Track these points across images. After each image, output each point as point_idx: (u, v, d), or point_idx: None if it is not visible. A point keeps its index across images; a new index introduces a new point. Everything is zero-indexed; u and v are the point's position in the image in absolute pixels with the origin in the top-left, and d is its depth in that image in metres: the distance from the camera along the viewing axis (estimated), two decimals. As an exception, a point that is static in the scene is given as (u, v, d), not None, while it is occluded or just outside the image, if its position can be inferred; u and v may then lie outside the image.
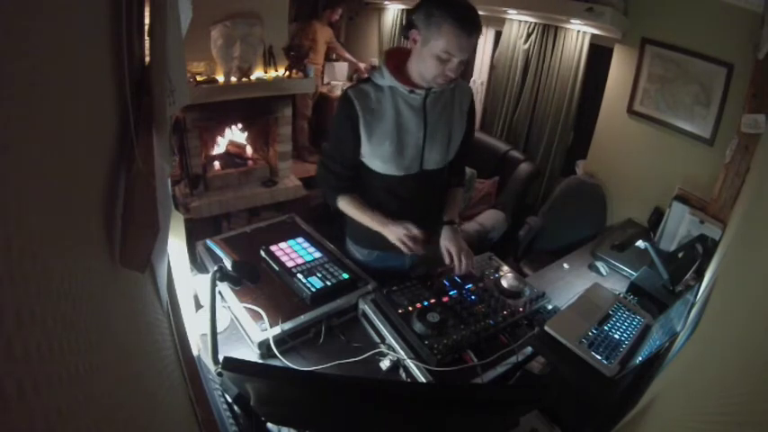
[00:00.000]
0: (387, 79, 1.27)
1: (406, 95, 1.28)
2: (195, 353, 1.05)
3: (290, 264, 1.48)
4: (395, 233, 1.34)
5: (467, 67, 3.62)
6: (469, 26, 1.14)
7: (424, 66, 1.21)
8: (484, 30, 3.40)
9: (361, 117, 1.28)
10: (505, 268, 1.61)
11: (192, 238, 1.40)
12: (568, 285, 1.76)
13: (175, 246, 0.97)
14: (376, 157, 1.34)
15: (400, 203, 1.42)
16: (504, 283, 1.51)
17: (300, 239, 1.63)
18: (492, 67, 3.35)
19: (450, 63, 1.18)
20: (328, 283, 1.40)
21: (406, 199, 1.42)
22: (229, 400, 1.04)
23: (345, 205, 1.43)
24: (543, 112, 2.98)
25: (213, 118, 3.28)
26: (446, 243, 1.43)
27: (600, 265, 1.93)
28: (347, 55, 4.49)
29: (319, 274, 1.44)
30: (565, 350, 1.22)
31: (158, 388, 0.66)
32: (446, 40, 1.15)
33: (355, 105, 1.28)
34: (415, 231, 1.32)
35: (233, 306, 1.34)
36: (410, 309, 1.34)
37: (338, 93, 4.22)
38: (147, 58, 0.69)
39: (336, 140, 1.37)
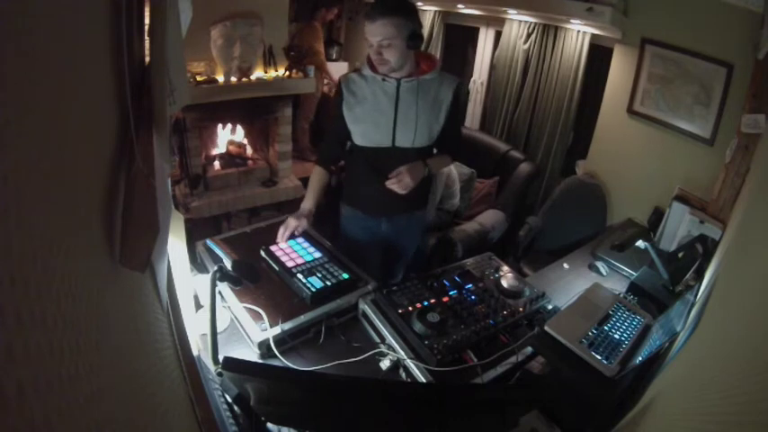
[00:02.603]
0: (366, 69, 1.54)
1: (381, 83, 1.52)
2: (195, 353, 1.05)
3: (290, 264, 1.48)
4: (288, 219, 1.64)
5: (467, 67, 3.62)
6: (372, 14, 1.38)
7: None
8: (484, 30, 3.40)
9: (345, 98, 1.57)
10: (505, 268, 1.62)
11: (192, 238, 1.41)
12: (568, 285, 1.76)
13: (175, 246, 0.97)
14: (357, 132, 1.59)
15: (377, 175, 1.58)
16: (504, 283, 1.51)
17: (300, 239, 1.63)
18: (492, 67, 3.34)
19: (373, 48, 1.42)
20: (328, 283, 1.40)
21: (380, 171, 1.57)
22: (229, 400, 1.04)
23: (313, 173, 1.75)
24: (543, 112, 2.98)
25: (213, 118, 3.28)
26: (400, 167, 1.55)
27: (600, 265, 1.93)
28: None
29: (319, 274, 1.44)
30: (565, 350, 1.22)
31: (158, 388, 0.66)
32: (365, 30, 1.42)
33: (342, 89, 1.58)
34: (291, 224, 1.61)
35: (233, 306, 1.34)
36: (410, 309, 1.34)
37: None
38: (147, 58, 0.69)
39: (332, 117, 1.66)
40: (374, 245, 1.78)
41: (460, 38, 3.68)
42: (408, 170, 1.51)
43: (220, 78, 3.06)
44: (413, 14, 1.42)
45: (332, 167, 1.77)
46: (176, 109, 0.80)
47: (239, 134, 3.64)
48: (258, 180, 3.57)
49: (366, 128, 1.57)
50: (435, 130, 1.59)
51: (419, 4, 3.59)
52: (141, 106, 0.64)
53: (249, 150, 3.70)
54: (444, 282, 1.47)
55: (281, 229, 1.61)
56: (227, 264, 1.19)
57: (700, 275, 1.55)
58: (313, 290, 1.36)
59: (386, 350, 1.28)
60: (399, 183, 1.50)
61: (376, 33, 1.39)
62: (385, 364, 1.25)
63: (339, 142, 1.66)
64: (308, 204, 1.69)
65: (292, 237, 1.63)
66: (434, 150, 1.68)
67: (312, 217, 1.69)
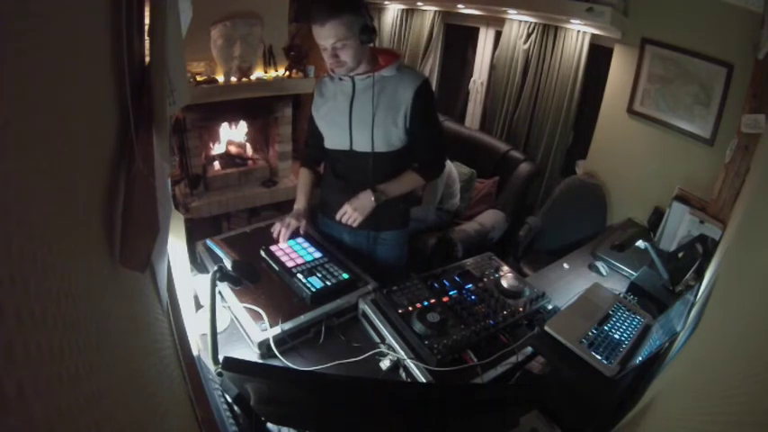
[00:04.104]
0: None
1: (339, 82, 1.51)
2: (195, 353, 1.05)
3: (290, 264, 1.48)
4: (285, 218, 1.64)
5: (467, 67, 3.62)
6: (316, 18, 1.31)
7: None
8: (484, 30, 3.40)
9: (315, 99, 1.61)
10: (505, 268, 1.61)
11: (192, 238, 1.40)
12: (568, 285, 1.76)
13: (175, 246, 0.97)
14: (323, 133, 1.60)
15: (338, 180, 1.60)
16: (504, 283, 1.51)
17: (300, 239, 1.63)
18: (492, 67, 3.34)
19: (326, 52, 1.37)
20: (328, 283, 1.40)
21: (341, 175, 1.61)
22: (229, 400, 1.04)
23: (300, 175, 1.75)
24: (543, 112, 2.98)
25: (213, 118, 3.29)
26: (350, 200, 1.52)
27: (600, 265, 1.93)
28: None
29: (319, 274, 1.44)
30: (565, 350, 1.22)
31: (158, 388, 0.66)
32: (314, 34, 1.35)
33: (315, 90, 1.62)
34: (292, 224, 1.60)
35: (233, 306, 1.34)
36: (410, 309, 1.34)
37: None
38: (147, 58, 0.69)
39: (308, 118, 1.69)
40: (346, 253, 1.66)
41: (460, 38, 3.68)
42: (352, 203, 1.49)
43: (220, 78, 3.07)
44: (361, 7, 1.35)
45: (317, 168, 1.76)
46: (176, 109, 0.80)
47: (239, 134, 3.64)
48: (258, 180, 3.58)
49: (327, 128, 1.57)
50: (395, 136, 1.48)
51: (419, 3, 3.59)
52: (141, 106, 0.64)
53: (249, 150, 3.70)
54: (444, 282, 1.47)
55: (283, 230, 1.59)
56: (227, 264, 1.19)
57: (700, 275, 1.55)
58: (313, 290, 1.36)
59: (386, 350, 1.28)
60: (348, 219, 1.49)
61: (327, 36, 1.32)
62: (385, 364, 1.25)
63: (316, 144, 1.64)
64: (300, 205, 1.67)
65: (292, 236, 1.63)
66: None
67: (307, 216, 1.68)
